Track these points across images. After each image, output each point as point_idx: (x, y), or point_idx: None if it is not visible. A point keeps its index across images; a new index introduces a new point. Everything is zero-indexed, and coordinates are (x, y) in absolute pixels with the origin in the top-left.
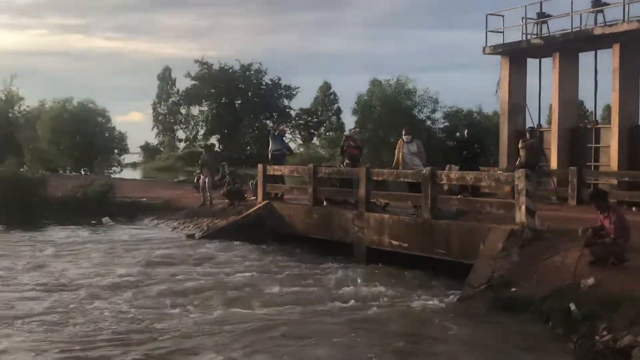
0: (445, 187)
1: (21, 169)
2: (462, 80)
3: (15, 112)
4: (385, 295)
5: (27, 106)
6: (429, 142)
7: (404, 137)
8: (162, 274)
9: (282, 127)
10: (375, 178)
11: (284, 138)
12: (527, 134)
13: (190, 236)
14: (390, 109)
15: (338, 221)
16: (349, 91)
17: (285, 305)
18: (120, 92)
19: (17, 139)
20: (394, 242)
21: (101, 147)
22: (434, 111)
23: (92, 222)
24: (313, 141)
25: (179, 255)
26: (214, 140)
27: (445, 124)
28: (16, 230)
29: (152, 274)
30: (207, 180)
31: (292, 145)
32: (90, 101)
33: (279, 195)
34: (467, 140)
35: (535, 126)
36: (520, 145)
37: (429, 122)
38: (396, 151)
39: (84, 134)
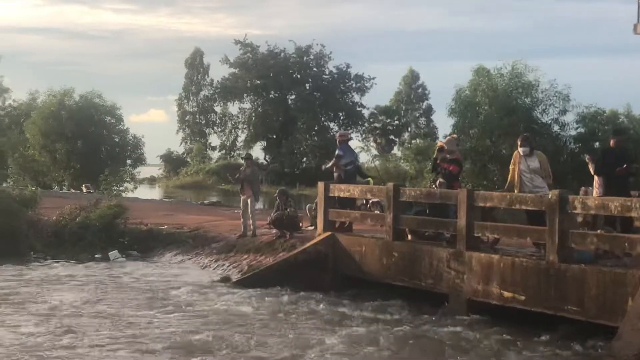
0: (580, 219)
1: (3, 184)
2: (603, 69)
3: None
4: None
5: (14, 100)
6: (557, 155)
7: (520, 148)
8: None
9: (346, 131)
10: (480, 204)
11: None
12: None
13: (225, 279)
14: (502, 108)
15: (428, 262)
16: (444, 83)
17: None
18: (135, 83)
19: (0, 144)
20: (506, 294)
21: (110, 157)
22: (563, 112)
23: (95, 256)
24: (393, 151)
25: (205, 314)
26: (258, 148)
27: (579, 130)
28: None
29: None
30: (248, 202)
31: (364, 157)
32: (96, 94)
33: (345, 225)
34: (612, 152)
35: None
36: None
37: (556, 128)
38: (510, 167)
39: (87, 139)
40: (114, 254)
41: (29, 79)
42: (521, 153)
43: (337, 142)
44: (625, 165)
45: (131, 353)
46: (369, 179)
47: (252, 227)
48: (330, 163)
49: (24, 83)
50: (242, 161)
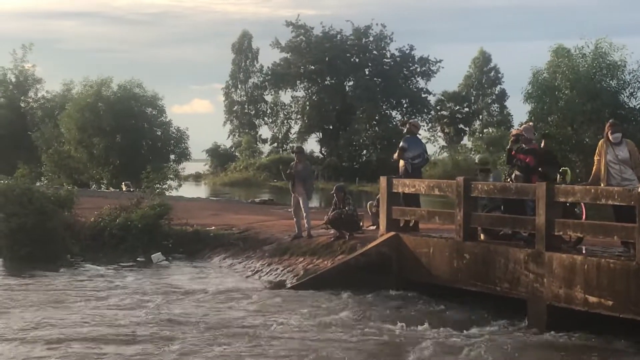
0: None
1: (37, 183)
2: None
3: (30, 100)
4: None
5: (47, 92)
6: None
7: (611, 135)
8: None
9: (413, 120)
10: (561, 199)
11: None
12: None
13: (279, 284)
14: (585, 92)
15: (503, 265)
16: (519, 66)
17: None
18: (177, 71)
19: (32, 138)
20: (591, 299)
21: (151, 152)
22: None
23: (137, 259)
24: (463, 142)
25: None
26: (313, 140)
27: None
28: (26, 271)
29: None
30: (300, 200)
31: (431, 149)
32: (135, 84)
33: (411, 224)
34: None
35: None
36: None
37: None
38: (595, 158)
39: (126, 133)
40: (157, 256)
41: (63, 68)
42: (612, 140)
43: (404, 130)
44: None
45: None
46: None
47: (306, 227)
48: (395, 155)
49: (58, 73)
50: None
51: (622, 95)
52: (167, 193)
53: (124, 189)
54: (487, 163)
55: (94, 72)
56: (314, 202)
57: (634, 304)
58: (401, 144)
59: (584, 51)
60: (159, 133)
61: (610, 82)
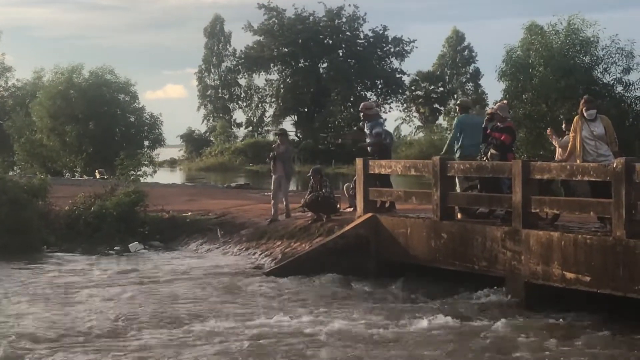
0: None
1: (10, 172)
2: None
3: (0, 88)
4: None
5: (17, 80)
6: (621, 119)
7: (586, 112)
8: None
9: (364, 103)
10: (537, 176)
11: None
12: None
13: (257, 269)
14: (559, 69)
15: (480, 243)
16: (493, 44)
17: None
18: (149, 57)
19: (4, 127)
20: (569, 275)
21: (125, 139)
22: (627, 71)
23: (115, 248)
24: (438, 121)
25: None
26: (288, 123)
27: None
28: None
29: None
30: (281, 182)
31: (406, 129)
32: (107, 70)
33: (386, 205)
34: None
35: None
36: None
37: (619, 89)
38: (571, 135)
39: (99, 120)
40: (134, 245)
41: (34, 56)
42: (587, 116)
43: (361, 115)
44: None
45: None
46: None
47: (285, 209)
48: (371, 142)
49: (29, 61)
50: (272, 138)
51: (596, 71)
52: (142, 180)
53: (97, 177)
54: (468, 107)
55: (66, 59)
56: (291, 186)
57: (610, 279)
58: (377, 129)
59: (557, 28)
60: (132, 119)
61: (584, 58)
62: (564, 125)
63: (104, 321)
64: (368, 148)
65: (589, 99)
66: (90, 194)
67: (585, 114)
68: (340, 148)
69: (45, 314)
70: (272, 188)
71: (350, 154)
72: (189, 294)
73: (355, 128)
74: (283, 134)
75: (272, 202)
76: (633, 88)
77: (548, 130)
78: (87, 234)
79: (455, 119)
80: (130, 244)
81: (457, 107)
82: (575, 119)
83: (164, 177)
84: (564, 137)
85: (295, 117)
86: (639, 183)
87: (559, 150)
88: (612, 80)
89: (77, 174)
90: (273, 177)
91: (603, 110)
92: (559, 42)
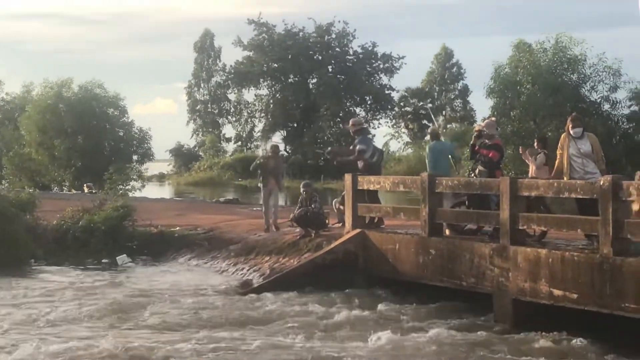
0: (636, 207)
1: None
2: None
3: None
4: None
5: (7, 93)
6: (608, 137)
7: (572, 129)
8: None
9: (353, 119)
10: (525, 193)
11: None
12: None
13: (245, 284)
14: (546, 86)
15: (468, 260)
16: (481, 61)
17: None
18: (139, 71)
19: None
20: (556, 292)
21: (114, 153)
22: (614, 89)
23: (102, 261)
24: (427, 138)
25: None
26: (277, 138)
27: (632, 108)
28: None
29: None
30: (272, 194)
31: (395, 145)
32: (96, 84)
33: (375, 221)
34: None
35: None
36: None
37: (606, 107)
38: (558, 152)
39: (88, 134)
40: (122, 258)
41: (23, 70)
42: (573, 134)
43: (352, 132)
44: None
45: None
46: None
47: (273, 222)
48: (349, 158)
49: (18, 74)
50: (261, 153)
51: (583, 89)
52: (130, 194)
53: (86, 191)
54: (438, 134)
55: (55, 73)
56: (280, 200)
57: (598, 296)
58: (359, 146)
59: (545, 46)
60: (121, 133)
61: (571, 76)
62: (536, 144)
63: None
64: (349, 162)
65: (576, 116)
66: (78, 208)
67: (572, 132)
68: (329, 163)
69: None
70: (262, 200)
71: (339, 169)
72: (163, 310)
73: (344, 144)
74: (276, 149)
75: (264, 212)
76: (620, 106)
77: (520, 149)
78: (76, 247)
79: (427, 146)
80: (118, 257)
81: (428, 134)
82: (562, 137)
83: (153, 191)
84: (538, 156)
85: (285, 132)
86: (626, 201)
87: (532, 168)
88: (599, 98)
89: (65, 188)
90: (263, 190)
91: (590, 128)
92: (547, 60)
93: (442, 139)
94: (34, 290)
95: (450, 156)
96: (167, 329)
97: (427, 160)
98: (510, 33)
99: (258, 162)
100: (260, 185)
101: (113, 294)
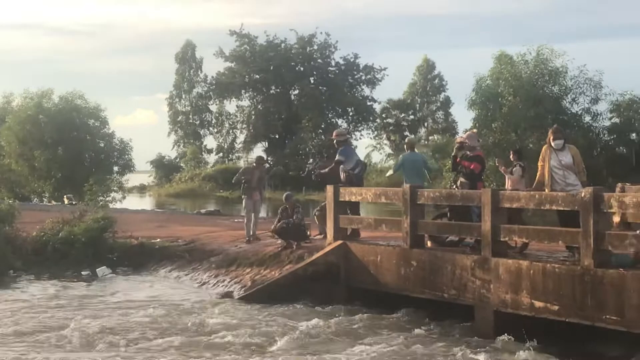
0: (617, 219)
1: None
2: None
3: None
4: None
5: None
6: (589, 148)
7: (553, 141)
8: None
9: (336, 130)
10: (506, 205)
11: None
12: None
13: (227, 296)
14: (528, 98)
15: (450, 271)
16: (463, 73)
17: None
18: (120, 82)
19: None
20: (538, 304)
21: (94, 164)
22: (595, 101)
23: (82, 273)
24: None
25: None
26: (259, 150)
27: (613, 120)
28: None
29: None
30: (255, 205)
31: (377, 157)
32: (77, 95)
33: (348, 233)
34: None
35: None
36: None
37: (587, 118)
38: (539, 164)
39: (68, 145)
40: (102, 270)
41: (3, 80)
42: (554, 146)
43: (335, 142)
44: None
45: None
46: None
47: (253, 232)
48: (327, 169)
49: None
50: (242, 165)
51: (564, 101)
52: (111, 205)
53: (66, 202)
54: (414, 145)
55: (36, 83)
56: (262, 212)
57: (579, 308)
58: (337, 157)
59: (526, 58)
60: (101, 145)
61: (553, 88)
62: (512, 156)
63: None
64: (341, 174)
65: (557, 128)
66: (58, 219)
67: (553, 144)
68: (310, 175)
69: None
70: (245, 210)
71: (321, 180)
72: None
73: (325, 155)
74: (261, 160)
75: (246, 223)
76: (601, 118)
77: (497, 161)
78: (55, 259)
79: (401, 156)
80: (98, 269)
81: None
82: (543, 148)
83: (134, 202)
84: (514, 169)
85: (266, 143)
86: (607, 213)
87: (508, 181)
88: (580, 110)
89: (45, 200)
90: (247, 201)
91: (571, 140)
92: (528, 72)
93: (417, 150)
94: (6, 303)
95: (425, 168)
96: (133, 342)
97: (397, 170)
98: (492, 45)
99: (242, 174)
100: (244, 196)
101: (88, 306)
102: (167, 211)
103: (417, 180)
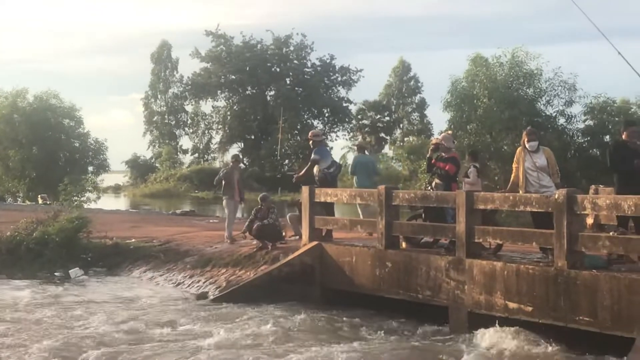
0: (591, 220)
1: None
2: (613, 55)
3: None
4: None
5: None
6: (563, 150)
7: (528, 143)
8: None
9: (312, 130)
10: (481, 206)
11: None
12: None
13: (201, 296)
14: (503, 100)
15: (424, 272)
16: (439, 75)
17: None
18: (95, 82)
19: None
20: (511, 305)
21: (69, 164)
22: (569, 104)
23: (55, 274)
24: (384, 150)
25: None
26: (234, 150)
27: (587, 122)
28: None
29: None
30: (237, 206)
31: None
32: (52, 94)
33: (323, 234)
34: (625, 145)
35: None
36: None
37: (562, 121)
38: (514, 165)
39: (43, 145)
40: (74, 271)
41: None
42: (529, 148)
43: (311, 143)
44: None
45: None
46: None
47: (230, 234)
48: (303, 171)
49: None
50: (218, 165)
51: (539, 103)
52: (85, 205)
53: (40, 202)
54: (364, 148)
55: (10, 83)
56: (237, 213)
57: (552, 309)
58: (313, 156)
59: (501, 60)
60: (76, 144)
61: (527, 90)
62: (467, 157)
63: None
64: (314, 174)
65: (531, 130)
66: (32, 219)
67: (527, 146)
68: (286, 176)
69: None
70: (227, 211)
71: (297, 181)
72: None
73: (301, 156)
74: (237, 157)
75: (227, 224)
76: (575, 120)
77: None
78: (29, 259)
79: (352, 158)
80: (71, 270)
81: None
82: (518, 150)
83: (108, 203)
84: (469, 171)
85: (242, 144)
86: (580, 214)
87: (465, 186)
88: (554, 112)
89: (19, 199)
90: (228, 201)
91: (545, 142)
92: (503, 74)
93: (367, 152)
94: None
95: (373, 170)
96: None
97: (352, 172)
98: (467, 47)
99: (222, 173)
100: (225, 197)
101: (53, 308)
102: (142, 211)
103: (367, 181)
